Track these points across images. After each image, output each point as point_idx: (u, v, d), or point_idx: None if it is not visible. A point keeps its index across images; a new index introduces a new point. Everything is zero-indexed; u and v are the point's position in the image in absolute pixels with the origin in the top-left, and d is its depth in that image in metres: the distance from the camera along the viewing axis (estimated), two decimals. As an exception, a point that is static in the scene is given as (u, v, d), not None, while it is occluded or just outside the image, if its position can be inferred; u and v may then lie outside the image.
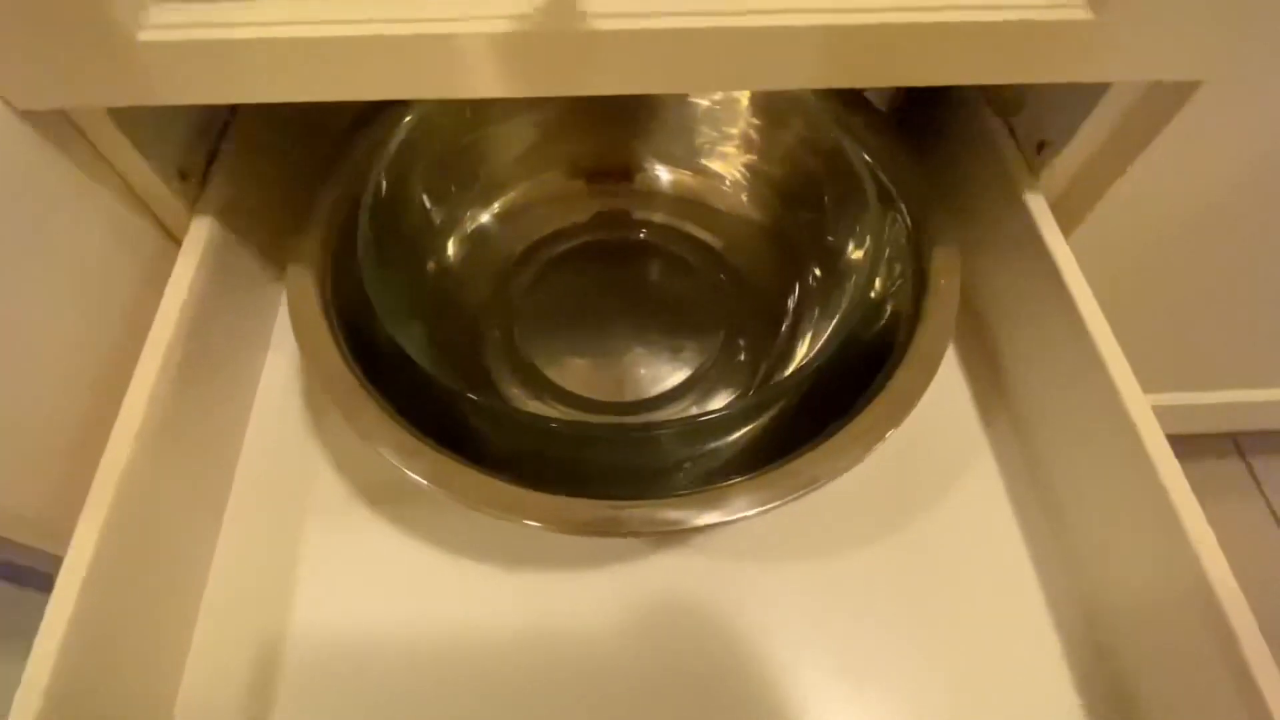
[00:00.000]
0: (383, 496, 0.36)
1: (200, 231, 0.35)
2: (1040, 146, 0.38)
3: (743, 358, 0.41)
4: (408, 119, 0.38)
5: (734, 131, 0.45)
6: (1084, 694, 0.32)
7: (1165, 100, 0.32)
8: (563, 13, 0.26)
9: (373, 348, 0.33)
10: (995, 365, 0.41)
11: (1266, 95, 0.32)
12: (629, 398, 0.40)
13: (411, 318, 0.36)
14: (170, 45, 0.26)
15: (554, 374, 0.40)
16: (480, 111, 0.42)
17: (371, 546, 0.35)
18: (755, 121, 0.44)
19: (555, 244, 0.45)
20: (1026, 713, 0.32)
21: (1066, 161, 0.37)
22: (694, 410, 0.39)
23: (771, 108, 0.43)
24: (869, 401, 0.31)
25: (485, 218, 0.44)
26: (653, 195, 0.46)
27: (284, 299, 0.43)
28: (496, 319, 0.42)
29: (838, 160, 0.38)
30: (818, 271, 0.41)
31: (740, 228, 0.45)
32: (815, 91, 0.40)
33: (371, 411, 0.30)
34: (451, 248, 0.43)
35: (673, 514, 0.28)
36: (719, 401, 0.40)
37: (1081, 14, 0.27)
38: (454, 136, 0.42)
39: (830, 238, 0.40)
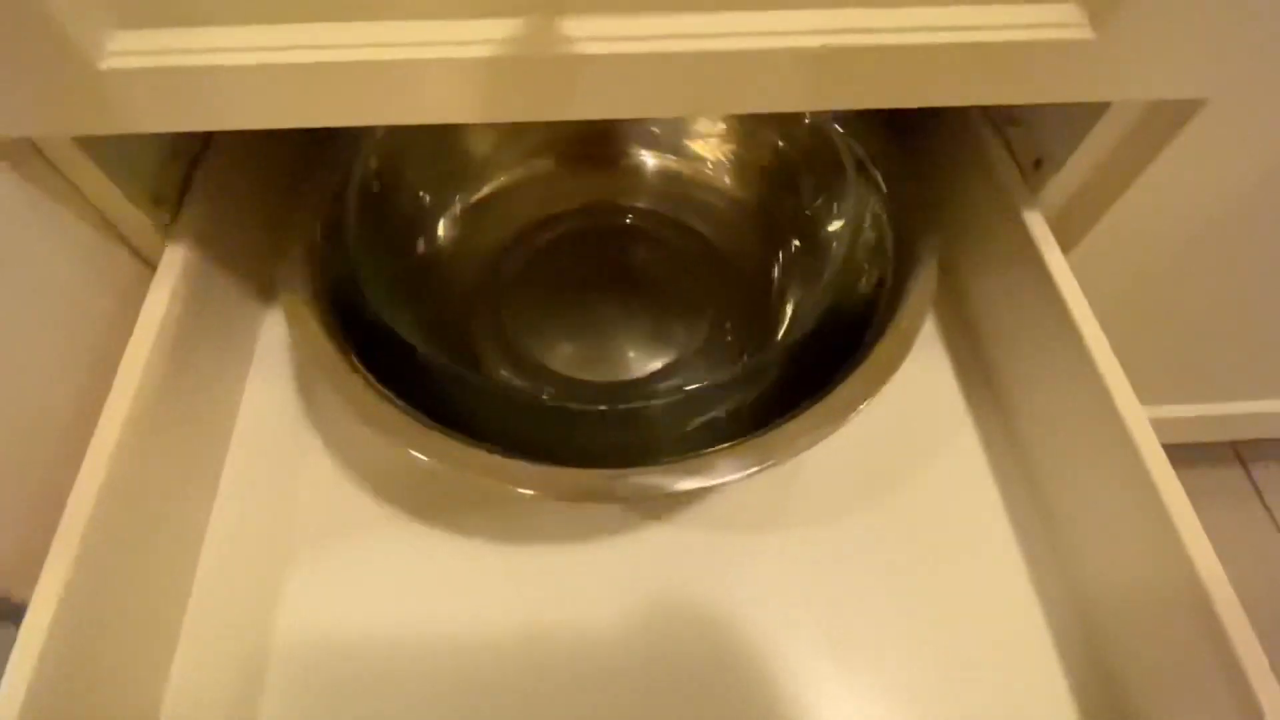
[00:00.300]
0: (367, 522, 0.36)
1: (175, 259, 0.34)
2: (1037, 163, 0.37)
3: (730, 338, 0.41)
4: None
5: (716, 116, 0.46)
6: (1070, 676, 0.32)
7: (1168, 118, 0.32)
8: (544, 37, 0.25)
9: (363, 331, 0.33)
10: (991, 378, 0.40)
11: (1272, 112, 0.31)
12: (619, 378, 0.40)
13: (401, 300, 0.37)
14: (134, 73, 0.25)
15: (543, 357, 0.40)
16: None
17: (355, 576, 0.34)
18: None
19: (542, 230, 0.45)
20: (1013, 690, 0.32)
21: (1065, 179, 0.36)
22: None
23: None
24: (849, 373, 0.32)
25: (473, 200, 0.45)
26: (638, 179, 0.47)
27: (266, 323, 0.42)
28: (485, 303, 0.42)
29: (816, 134, 0.39)
30: (798, 243, 0.42)
31: (724, 208, 0.46)
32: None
33: (357, 387, 0.31)
34: (442, 229, 0.43)
35: (658, 479, 0.29)
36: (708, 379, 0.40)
37: (1084, 33, 0.26)
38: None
39: (809, 211, 0.41)
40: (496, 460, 0.29)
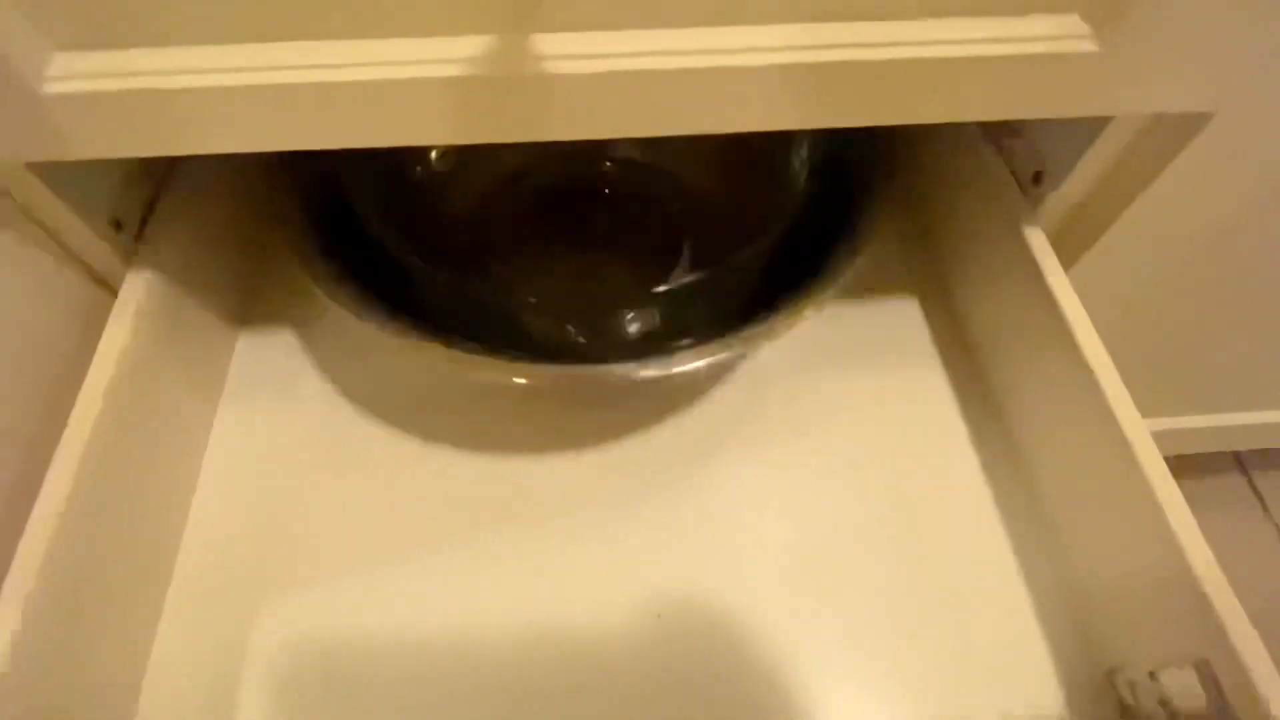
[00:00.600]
0: (345, 558, 0.34)
1: (137, 284, 0.33)
2: (1037, 176, 0.36)
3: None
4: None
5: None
6: (1071, 677, 0.32)
7: (1174, 131, 0.30)
8: (518, 56, 0.23)
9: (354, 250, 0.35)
10: (990, 393, 0.39)
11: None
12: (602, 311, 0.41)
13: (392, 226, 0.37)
14: (79, 97, 0.23)
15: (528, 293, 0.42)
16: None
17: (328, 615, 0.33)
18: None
19: (523, 177, 0.46)
20: (1005, 677, 0.32)
21: (1066, 193, 0.34)
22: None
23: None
24: (803, 280, 0.34)
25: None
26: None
27: (238, 349, 0.40)
28: (470, 242, 0.43)
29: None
30: (770, 170, 0.42)
31: (702, 150, 0.45)
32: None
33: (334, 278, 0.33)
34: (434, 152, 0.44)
35: (622, 368, 0.31)
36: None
37: (1088, 46, 0.25)
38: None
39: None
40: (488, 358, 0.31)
